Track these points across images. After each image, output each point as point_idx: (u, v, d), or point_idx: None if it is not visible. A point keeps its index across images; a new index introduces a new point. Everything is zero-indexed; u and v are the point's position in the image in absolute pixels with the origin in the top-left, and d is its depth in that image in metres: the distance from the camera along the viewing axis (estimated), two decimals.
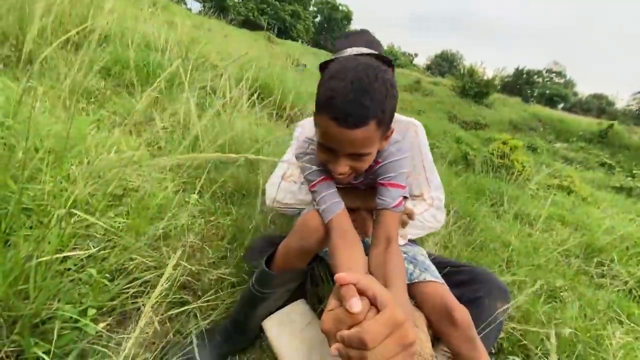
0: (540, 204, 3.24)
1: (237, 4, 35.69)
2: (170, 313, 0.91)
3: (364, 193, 0.90)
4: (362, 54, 0.77)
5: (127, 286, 0.85)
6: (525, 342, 1.21)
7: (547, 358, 1.16)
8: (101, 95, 2.16)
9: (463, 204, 2.58)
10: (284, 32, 39.20)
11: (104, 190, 1.07)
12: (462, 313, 0.77)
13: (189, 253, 1.14)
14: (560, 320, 1.29)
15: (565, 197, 4.08)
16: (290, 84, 4.44)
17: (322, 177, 0.77)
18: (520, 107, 15.70)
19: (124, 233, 0.95)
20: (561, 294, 1.79)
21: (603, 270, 2.04)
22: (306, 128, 1.15)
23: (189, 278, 1.05)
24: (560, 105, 41.92)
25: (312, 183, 0.77)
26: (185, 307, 0.90)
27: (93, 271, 0.77)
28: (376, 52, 0.95)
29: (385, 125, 0.64)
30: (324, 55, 23.19)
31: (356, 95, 0.58)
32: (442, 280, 0.88)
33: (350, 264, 0.63)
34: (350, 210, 0.81)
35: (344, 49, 0.98)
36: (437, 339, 0.88)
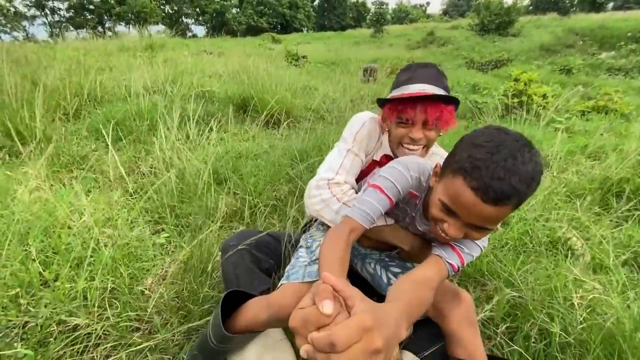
0: (562, 139, 2.89)
1: (236, 15, 36.20)
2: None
3: (405, 233, 0.91)
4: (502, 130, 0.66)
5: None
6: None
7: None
8: (92, 158, 2.39)
9: None
10: (287, 27, 38.90)
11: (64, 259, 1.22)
12: (467, 296, 0.81)
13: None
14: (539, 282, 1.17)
15: (602, 119, 3.58)
16: (284, 88, 4.46)
17: (388, 194, 0.76)
18: (556, 24, 13.84)
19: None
20: (570, 241, 1.62)
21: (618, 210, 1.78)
22: (369, 127, 1.02)
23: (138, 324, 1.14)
24: (610, 5, 35.93)
25: (378, 186, 0.76)
26: (134, 348, 1.00)
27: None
28: (445, 93, 0.91)
29: (519, 205, 0.61)
30: (328, 37, 22.64)
31: (507, 174, 0.56)
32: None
33: (333, 264, 0.66)
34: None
35: (406, 83, 0.94)
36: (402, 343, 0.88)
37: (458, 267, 0.75)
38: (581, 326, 0.93)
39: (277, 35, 20.68)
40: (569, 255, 1.49)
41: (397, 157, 0.99)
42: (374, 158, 1.07)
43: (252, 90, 3.85)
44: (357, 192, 0.99)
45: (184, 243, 1.58)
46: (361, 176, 1.06)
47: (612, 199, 1.86)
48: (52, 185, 1.91)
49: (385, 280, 1.00)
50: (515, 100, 3.74)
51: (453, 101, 0.92)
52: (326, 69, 8.21)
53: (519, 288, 1.19)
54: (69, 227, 1.49)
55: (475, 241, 0.77)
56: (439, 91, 0.90)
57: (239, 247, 1.02)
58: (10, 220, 1.34)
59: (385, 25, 22.47)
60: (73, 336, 0.97)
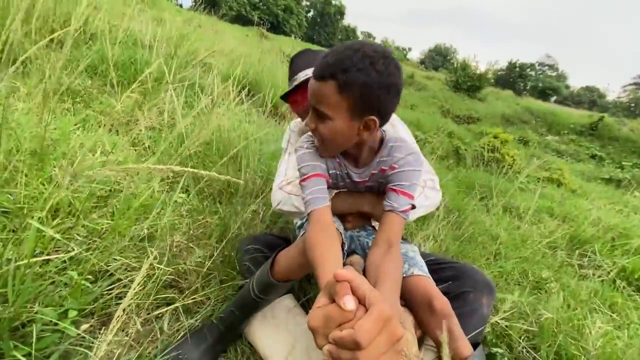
0: (530, 197, 3.29)
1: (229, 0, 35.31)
2: (155, 313, 0.91)
3: (357, 195, 0.91)
4: None
5: (109, 287, 0.85)
6: (510, 332, 1.24)
7: (530, 351, 1.18)
8: (87, 95, 2.13)
9: (453, 199, 2.61)
10: (277, 27, 38.83)
11: (88, 191, 1.07)
12: (441, 302, 0.78)
13: (175, 252, 1.14)
14: (542, 312, 1.31)
15: (554, 189, 4.14)
16: (281, 80, 4.42)
17: (314, 173, 0.78)
18: (512, 101, 15.79)
19: (107, 234, 0.95)
20: (546, 285, 1.82)
21: (587, 261, 2.08)
22: (298, 127, 1.14)
23: (175, 277, 1.05)
24: (553, 98, 42.19)
25: (304, 176, 0.79)
26: (170, 307, 0.90)
27: (74, 273, 0.77)
28: None
29: (352, 98, 0.66)
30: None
31: (334, 53, 0.66)
32: (428, 275, 0.89)
33: (326, 258, 0.64)
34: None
35: (290, 78, 1.01)
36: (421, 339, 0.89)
37: (411, 205, 0.77)
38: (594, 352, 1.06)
39: (265, 32, 20.49)
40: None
41: None
42: None
43: (256, 76, 3.77)
44: None
45: (205, 208, 1.48)
46: None
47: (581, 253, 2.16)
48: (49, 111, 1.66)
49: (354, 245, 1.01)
50: (491, 154, 4.17)
51: None
52: None
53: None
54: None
55: (411, 166, 0.79)
56: None
57: (252, 249, 1.04)
58: (20, 136, 1.14)
59: None
60: (111, 280, 0.85)
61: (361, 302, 0.39)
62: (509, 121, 10.53)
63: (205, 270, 1.06)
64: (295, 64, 1.02)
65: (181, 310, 0.94)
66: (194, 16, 10.19)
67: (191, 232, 1.24)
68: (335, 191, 0.94)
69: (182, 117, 2.22)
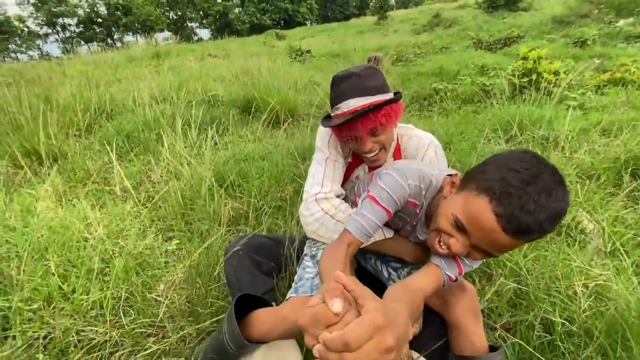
0: (577, 117, 2.79)
1: (239, 15, 36.27)
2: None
3: (403, 243, 0.91)
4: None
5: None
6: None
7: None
8: (104, 171, 2.49)
9: (462, 152, 2.36)
10: (290, 22, 38.68)
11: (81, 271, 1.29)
12: (471, 287, 0.81)
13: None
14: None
15: (618, 92, 3.41)
16: (287, 85, 4.47)
17: (387, 208, 0.74)
18: None
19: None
20: (580, 225, 1.58)
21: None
22: (324, 134, 1.03)
23: (151, 330, 1.21)
24: None
25: (377, 200, 0.74)
26: (147, 351, 1.05)
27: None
28: (384, 98, 0.90)
29: (540, 238, 0.63)
30: (332, 28, 22.36)
31: (538, 207, 0.53)
32: None
33: (332, 270, 0.66)
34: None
35: (335, 103, 0.93)
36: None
37: (456, 278, 0.74)
38: (585, 314, 0.92)
39: (280, 32, 20.63)
40: (579, 239, 1.46)
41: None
42: (349, 160, 1.07)
43: (255, 91, 3.88)
44: (345, 199, 1.00)
45: (193, 248, 1.64)
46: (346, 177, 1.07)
47: (627, 177, 1.79)
48: (69, 200, 2.01)
49: (386, 274, 1.01)
50: (525, 79, 3.61)
51: (386, 102, 0.88)
52: (330, 62, 8.14)
53: (523, 277, 1.17)
54: (85, 240, 1.58)
55: None
56: (365, 100, 0.88)
57: (239, 252, 1.05)
58: (31, 237, 1.43)
59: (390, 11, 21.98)
60: (91, 344, 1.03)
61: (358, 307, 0.41)
62: (563, 22, 8.84)
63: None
64: (339, 89, 0.92)
65: (163, 356, 1.09)
66: (205, 48, 10.84)
67: (174, 277, 1.40)
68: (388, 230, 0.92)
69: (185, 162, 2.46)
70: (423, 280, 0.71)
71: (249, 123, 3.64)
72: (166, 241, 1.77)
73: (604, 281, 0.93)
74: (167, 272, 1.48)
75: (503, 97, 3.37)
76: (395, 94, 0.93)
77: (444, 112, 3.64)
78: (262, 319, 0.85)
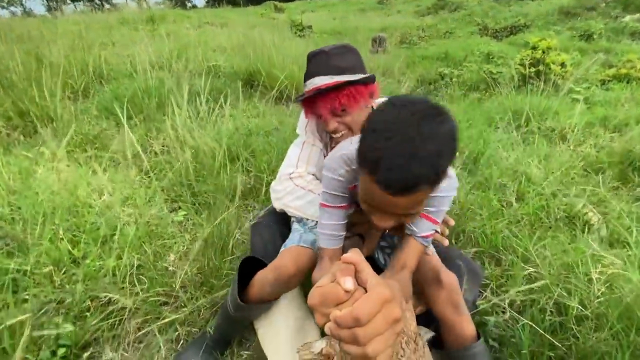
0: (583, 110, 2.80)
1: None
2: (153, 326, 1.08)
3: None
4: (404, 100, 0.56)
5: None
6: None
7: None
8: (104, 137, 2.40)
9: (470, 139, 2.36)
10: None
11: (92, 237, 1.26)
12: (449, 277, 0.79)
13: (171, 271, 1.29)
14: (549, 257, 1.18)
15: (622, 89, 3.43)
16: (291, 61, 4.34)
17: (338, 205, 0.75)
18: None
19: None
20: (586, 216, 1.61)
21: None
22: (303, 118, 1.05)
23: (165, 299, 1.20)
24: None
25: (327, 204, 0.75)
26: (166, 320, 1.05)
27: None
28: (348, 78, 0.88)
29: (439, 182, 0.54)
30: (333, 4, 21.60)
31: (405, 160, 0.49)
32: (435, 253, 0.89)
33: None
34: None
35: (305, 80, 0.94)
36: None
37: (434, 231, 0.74)
38: (598, 300, 0.95)
39: (279, 4, 19.82)
40: (586, 230, 1.49)
41: None
42: (333, 145, 1.06)
43: (259, 64, 3.76)
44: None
45: (203, 221, 1.62)
46: None
47: (633, 173, 1.82)
48: (68, 165, 1.94)
49: (382, 261, 1.01)
50: (532, 69, 3.59)
51: (352, 82, 0.86)
52: (333, 39, 7.91)
53: (535, 264, 1.20)
54: (91, 206, 1.53)
55: (442, 192, 0.72)
56: (329, 79, 0.87)
57: (267, 223, 1.03)
58: (35, 200, 1.38)
59: None
60: (107, 311, 1.02)
61: (361, 284, 0.41)
62: (570, 14, 8.73)
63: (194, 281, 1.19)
64: (309, 67, 0.94)
65: (177, 324, 1.09)
66: (202, 15, 10.37)
67: (185, 250, 1.38)
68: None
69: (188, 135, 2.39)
70: (403, 257, 0.73)
71: (252, 97, 3.55)
72: (172, 212, 1.74)
73: (618, 269, 0.96)
74: (175, 243, 1.46)
75: (511, 85, 3.36)
76: (368, 76, 0.90)
77: (450, 98, 3.61)
78: (257, 277, 0.87)
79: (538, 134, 2.46)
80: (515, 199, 1.72)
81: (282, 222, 1.07)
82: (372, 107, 0.95)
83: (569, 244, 1.28)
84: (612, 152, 2.00)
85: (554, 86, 3.25)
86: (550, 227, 1.48)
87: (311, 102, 0.91)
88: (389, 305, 0.39)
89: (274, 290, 0.87)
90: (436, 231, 0.75)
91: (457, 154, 2.16)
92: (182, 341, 1.08)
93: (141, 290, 1.11)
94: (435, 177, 0.52)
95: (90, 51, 3.76)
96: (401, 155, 0.49)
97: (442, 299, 0.78)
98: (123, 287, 1.10)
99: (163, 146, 2.38)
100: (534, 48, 3.67)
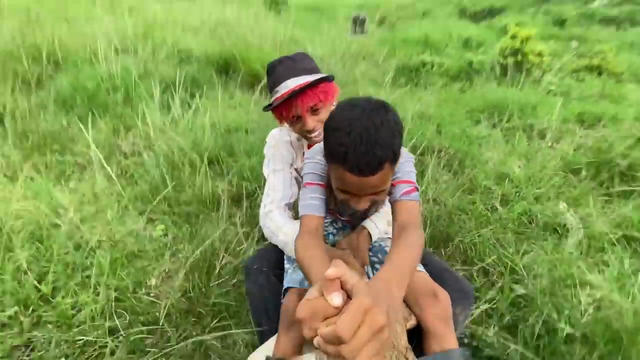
0: (556, 104, 2.87)
1: None
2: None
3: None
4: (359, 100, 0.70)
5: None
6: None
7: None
8: (64, 136, 2.18)
9: (454, 137, 2.36)
10: None
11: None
12: (444, 294, 0.84)
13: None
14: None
15: (594, 79, 3.54)
16: (268, 42, 4.11)
17: (318, 182, 0.83)
18: None
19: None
20: (565, 218, 1.67)
21: (618, 183, 1.83)
22: (276, 138, 1.09)
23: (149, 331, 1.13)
24: None
25: (309, 182, 0.82)
26: None
27: None
28: (309, 77, 0.95)
29: (396, 159, 0.69)
30: None
31: (367, 147, 0.62)
32: (425, 271, 0.92)
33: (315, 258, 0.68)
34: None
35: (274, 87, 0.98)
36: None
37: (415, 187, 0.80)
38: (585, 320, 0.98)
39: None
40: (564, 234, 1.55)
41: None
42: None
43: (234, 49, 3.53)
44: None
45: (185, 236, 1.53)
46: None
47: (608, 172, 1.90)
48: (27, 177, 1.75)
49: (372, 274, 0.99)
50: (512, 59, 3.61)
51: (321, 80, 0.95)
52: (311, 16, 7.58)
53: (522, 276, 1.23)
54: (57, 225, 1.40)
55: (402, 159, 0.80)
56: (303, 79, 0.95)
57: (261, 269, 0.98)
58: None
59: None
60: (86, 353, 0.94)
61: (349, 296, 0.41)
62: None
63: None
64: (276, 73, 0.98)
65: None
66: None
67: (167, 270, 1.30)
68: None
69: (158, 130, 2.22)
70: (399, 218, 0.76)
71: (227, 85, 3.35)
72: (148, 223, 1.62)
73: (607, 291, 0.99)
74: (157, 261, 1.37)
75: (492, 75, 3.37)
76: (331, 75, 1.00)
77: (431, 88, 3.59)
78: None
79: (519, 131, 2.49)
80: (500, 201, 1.75)
81: (274, 261, 1.01)
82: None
83: (554, 253, 1.32)
84: (587, 151, 2.07)
85: (532, 78, 3.30)
86: (534, 235, 1.51)
87: (286, 106, 0.94)
88: (371, 313, 0.38)
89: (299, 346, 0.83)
90: (416, 188, 0.80)
91: (442, 152, 2.17)
92: None
93: (122, 326, 1.03)
94: (394, 154, 0.66)
95: (42, 31, 3.36)
96: (362, 143, 0.62)
97: (436, 312, 0.81)
98: (102, 324, 1.01)
99: (133, 145, 2.20)
100: (514, 37, 3.68)
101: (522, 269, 1.25)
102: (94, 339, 0.96)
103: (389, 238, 1.05)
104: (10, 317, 0.97)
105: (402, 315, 0.83)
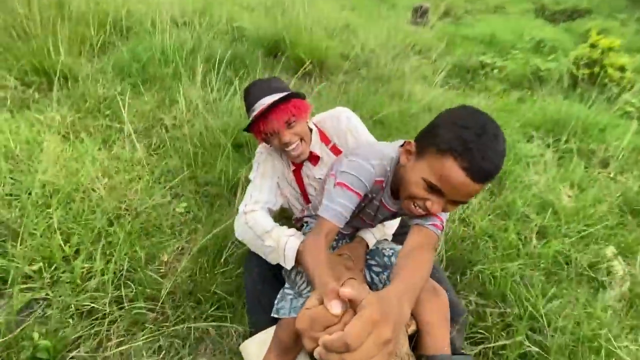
0: (629, 129, 2.50)
1: None
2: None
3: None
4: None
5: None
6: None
7: None
8: (116, 104, 2.33)
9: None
10: None
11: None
12: (444, 293, 0.85)
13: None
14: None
15: None
16: (321, 27, 4.04)
17: (357, 191, 0.78)
18: None
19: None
20: (610, 266, 1.47)
21: None
22: (269, 148, 1.15)
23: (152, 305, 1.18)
24: None
25: (348, 185, 0.78)
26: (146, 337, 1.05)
27: None
28: (280, 94, 1.01)
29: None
30: None
31: (492, 155, 0.62)
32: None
33: (321, 263, 0.69)
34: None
35: (251, 106, 1.05)
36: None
37: (442, 225, 0.78)
38: None
39: None
40: (604, 285, 1.37)
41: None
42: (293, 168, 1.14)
43: (285, 32, 3.50)
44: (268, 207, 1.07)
45: (201, 215, 1.58)
46: None
47: None
48: (77, 132, 1.91)
49: (369, 279, 1.01)
50: (587, 71, 3.20)
51: (292, 96, 1.01)
52: (371, 2, 7.30)
53: (541, 324, 1.11)
54: (93, 190, 1.51)
55: None
56: (275, 97, 1.00)
57: (260, 265, 1.02)
58: (35, 182, 1.36)
59: None
60: (91, 318, 1.02)
61: (352, 306, 0.40)
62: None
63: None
64: (251, 94, 1.07)
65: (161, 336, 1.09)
66: None
67: (180, 249, 1.36)
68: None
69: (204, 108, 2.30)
70: (414, 239, 0.75)
71: (274, 68, 3.35)
72: (174, 198, 1.70)
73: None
74: (173, 237, 1.43)
75: (559, 87, 3.02)
76: (299, 93, 1.06)
77: (487, 93, 3.31)
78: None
79: (577, 154, 2.23)
80: (537, 233, 1.58)
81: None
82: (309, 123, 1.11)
83: (586, 306, 1.17)
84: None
85: (607, 95, 2.90)
86: (568, 279, 1.35)
87: (263, 121, 1.00)
88: (379, 326, 0.37)
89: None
90: (442, 227, 0.79)
91: None
92: (164, 352, 1.08)
93: (126, 297, 1.10)
94: (498, 173, 0.64)
95: (114, 1, 3.58)
96: (491, 150, 0.61)
97: (435, 306, 0.82)
98: (107, 294, 1.08)
99: (174, 120, 2.30)
100: (593, 46, 3.24)
101: (544, 316, 1.13)
102: (99, 307, 1.03)
103: (386, 240, 1.08)
104: (34, 272, 1.07)
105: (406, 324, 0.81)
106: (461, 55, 4.24)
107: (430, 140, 0.67)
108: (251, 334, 0.96)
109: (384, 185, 0.84)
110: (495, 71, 3.65)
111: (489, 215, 1.69)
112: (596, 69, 3.23)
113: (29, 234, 1.15)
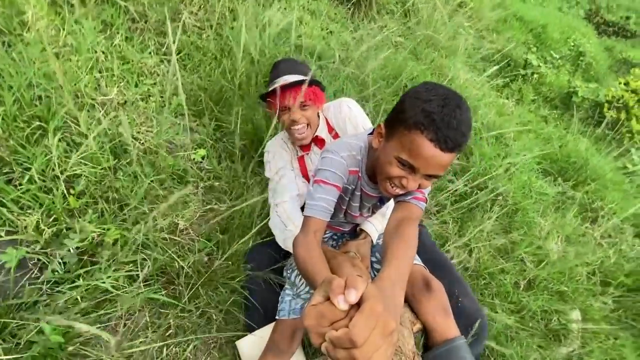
0: (629, 192, 2.63)
1: None
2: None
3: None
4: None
5: None
6: None
7: None
8: None
9: (519, 182, 2.14)
10: None
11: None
12: (438, 284, 0.88)
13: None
14: None
15: None
16: None
17: (334, 183, 0.80)
18: None
19: None
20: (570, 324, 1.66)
21: None
22: (273, 143, 1.24)
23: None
24: None
25: (324, 180, 0.80)
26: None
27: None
28: (304, 77, 1.02)
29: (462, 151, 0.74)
30: None
31: (457, 123, 0.64)
32: (423, 265, 0.97)
33: (318, 259, 0.71)
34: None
35: (274, 79, 1.13)
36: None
37: (425, 198, 0.82)
38: None
39: None
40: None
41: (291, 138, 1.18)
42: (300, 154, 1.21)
43: None
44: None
45: (221, 171, 1.38)
46: None
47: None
48: (71, 6, 1.43)
49: (372, 275, 1.05)
50: (614, 114, 3.16)
51: (314, 83, 1.08)
52: None
53: None
54: (92, 99, 1.20)
55: None
56: (298, 77, 1.09)
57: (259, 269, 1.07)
58: (22, 78, 1.01)
59: None
60: (101, 299, 0.89)
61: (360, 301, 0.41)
62: None
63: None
64: (278, 68, 1.14)
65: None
66: None
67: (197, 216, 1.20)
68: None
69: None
70: (398, 215, 0.78)
71: None
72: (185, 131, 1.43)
73: None
74: (190, 202, 1.23)
75: (586, 122, 2.98)
76: (320, 82, 1.13)
77: (519, 97, 3.16)
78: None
79: (578, 202, 2.30)
80: (529, 282, 1.69)
81: (268, 260, 1.10)
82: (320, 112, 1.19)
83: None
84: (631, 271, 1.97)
85: (623, 147, 2.93)
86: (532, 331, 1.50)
87: (282, 94, 1.06)
88: (383, 317, 0.38)
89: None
90: (426, 199, 0.82)
91: (501, 196, 1.98)
92: (171, 330, 1.02)
93: (142, 271, 0.96)
94: (466, 144, 0.67)
95: None
96: (454, 118, 0.63)
97: (432, 303, 0.85)
98: (120, 269, 0.94)
99: (196, 16, 1.82)
100: (631, 90, 3.16)
101: None
102: (110, 284, 0.89)
103: None
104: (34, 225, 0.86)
105: (409, 319, 0.84)
106: (506, 38, 3.88)
107: (397, 119, 0.69)
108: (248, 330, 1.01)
109: (360, 174, 0.88)
110: (536, 76, 3.44)
111: (490, 250, 1.74)
112: (621, 115, 3.21)
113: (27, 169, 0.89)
